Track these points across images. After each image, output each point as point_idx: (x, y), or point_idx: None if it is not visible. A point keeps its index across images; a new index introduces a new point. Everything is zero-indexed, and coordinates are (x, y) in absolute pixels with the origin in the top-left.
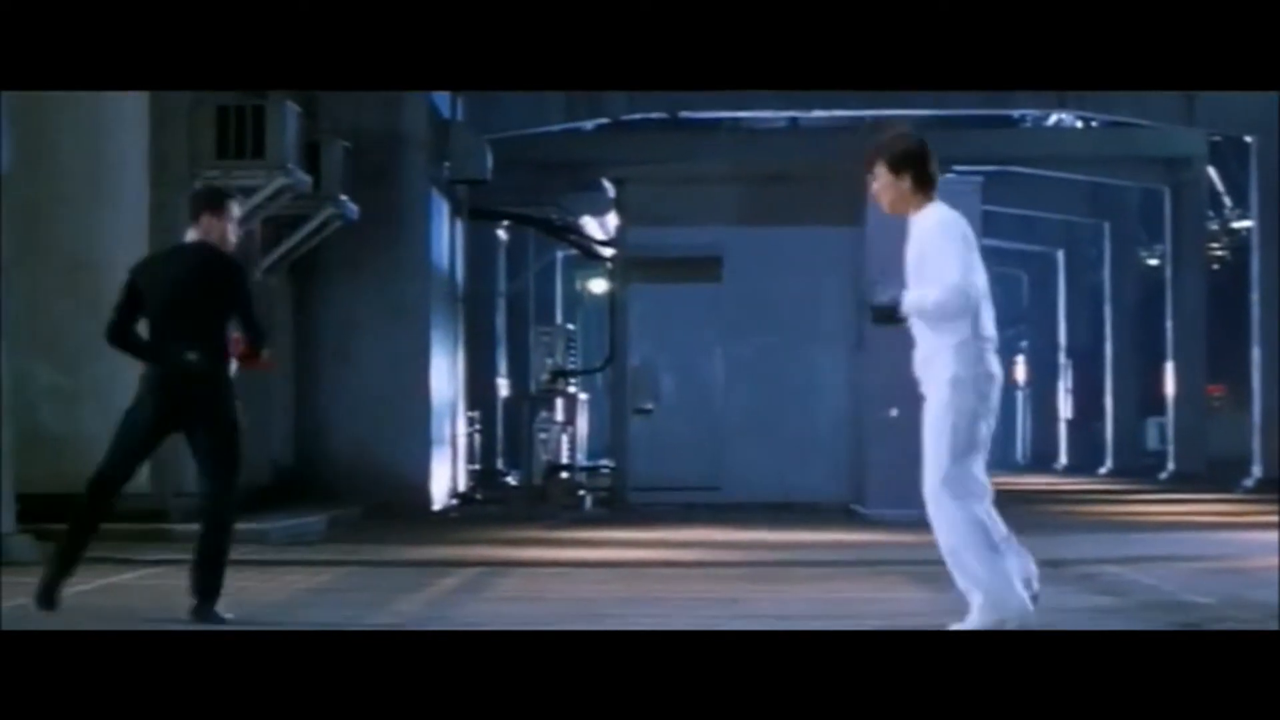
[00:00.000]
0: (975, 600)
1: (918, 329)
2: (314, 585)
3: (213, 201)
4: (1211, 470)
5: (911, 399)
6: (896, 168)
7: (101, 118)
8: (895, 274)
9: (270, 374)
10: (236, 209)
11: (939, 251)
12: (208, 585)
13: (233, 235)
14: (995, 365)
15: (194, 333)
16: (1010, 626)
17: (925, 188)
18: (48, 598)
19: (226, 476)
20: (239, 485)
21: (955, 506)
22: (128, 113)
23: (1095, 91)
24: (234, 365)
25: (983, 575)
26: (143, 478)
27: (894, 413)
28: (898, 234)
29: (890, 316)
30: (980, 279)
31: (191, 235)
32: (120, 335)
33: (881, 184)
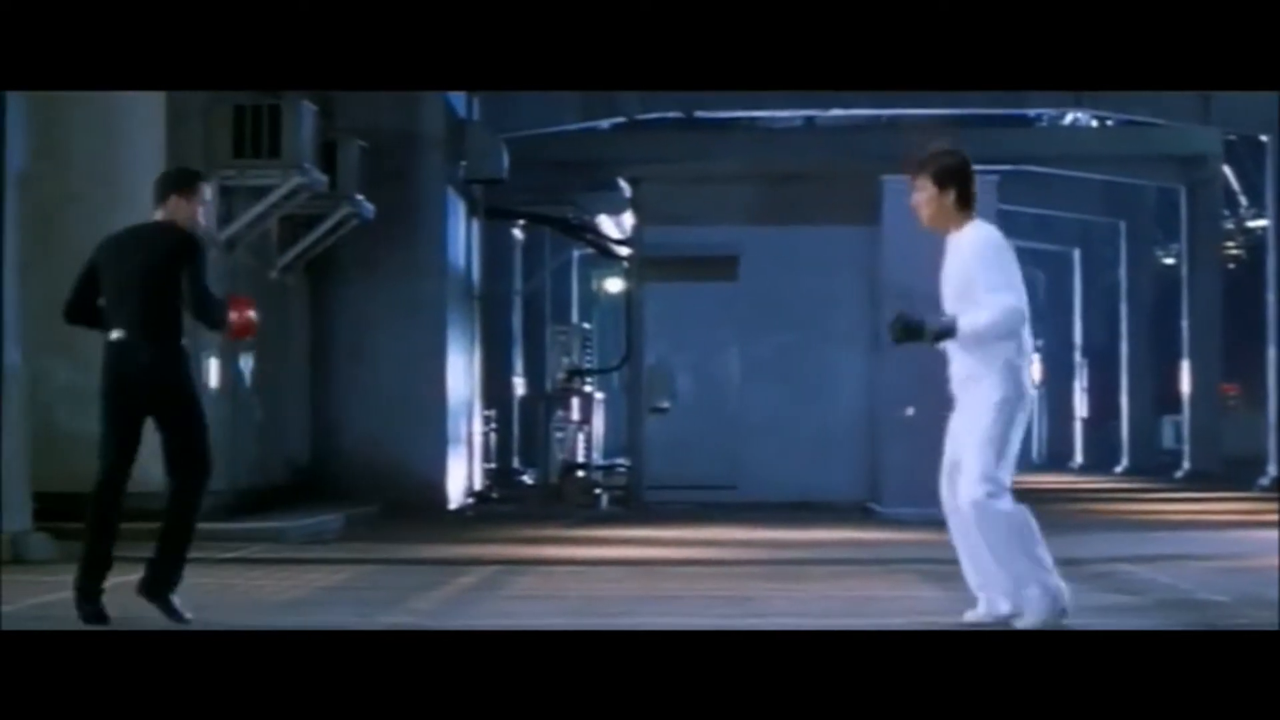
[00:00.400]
0: (1030, 599)
1: (956, 346)
2: (331, 583)
3: (181, 182)
4: (1227, 469)
5: (926, 398)
6: (942, 182)
7: (117, 117)
8: (913, 287)
9: (286, 372)
10: (208, 192)
11: (994, 271)
12: (157, 576)
13: (202, 218)
14: (1031, 381)
15: (143, 314)
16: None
17: (968, 205)
18: (88, 607)
19: (187, 462)
20: (203, 471)
21: (998, 506)
22: (144, 112)
23: (1111, 91)
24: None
25: (1029, 572)
26: (157, 476)
27: (910, 412)
28: (913, 233)
29: (948, 334)
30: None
31: (158, 215)
32: (73, 312)
33: (925, 197)
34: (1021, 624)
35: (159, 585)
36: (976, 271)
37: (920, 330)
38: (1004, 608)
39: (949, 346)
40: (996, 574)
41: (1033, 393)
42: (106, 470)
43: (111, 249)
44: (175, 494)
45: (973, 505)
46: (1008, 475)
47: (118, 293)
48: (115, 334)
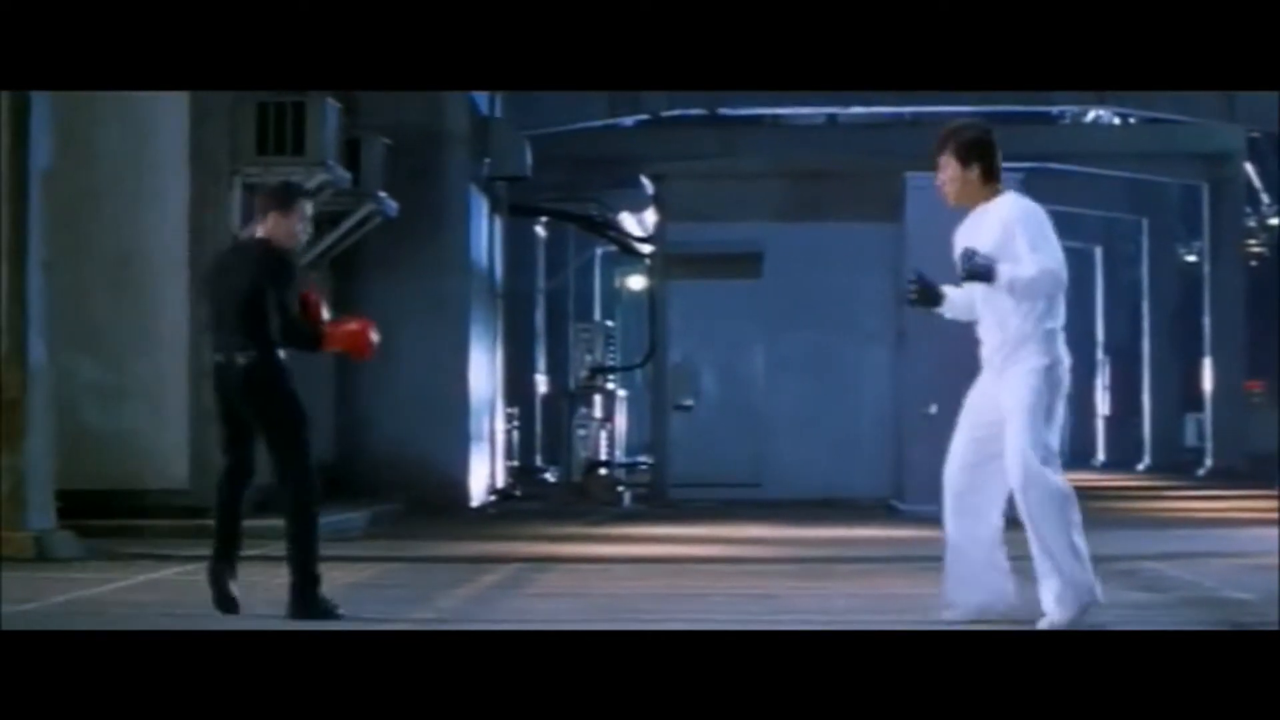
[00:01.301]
0: (1051, 592)
1: (995, 315)
2: (356, 580)
3: (282, 200)
4: (1251, 466)
5: (950, 396)
6: (965, 158)
7: (143, 114)
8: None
9: (309, 369)
10: (309, 207)
11: (1038, 235)
12: (292, 580)
13: (302, 234)
14: (1067, 352)
15: (231, 330)
16: (1089, 613)
17: (992, 178)
18: (214, 591)
19: (284, 473)
20: (304, 479)
21: (1051, 475)
22: (169, 109)
23: (1134, 91)
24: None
25: (1064, 558)
26: (183, 473)
27: (933, 409)
28: (936, 230)
29: (985, 276)
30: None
31: (257, 231)
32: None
33: (949, 174)
34: (1044, 623)
35: (293, 594)
36: (1019, 233)
37: (938, 296)
38: (980, 602)
39: (984, 321)
40: (972, 580)
41: (1069, 361)
42: (222, 471)
43: (213, 268)
44: (281, 504)
45: (1024, 471)
46: (1056, 442)
47: (217, 313)
48: (216, 357)
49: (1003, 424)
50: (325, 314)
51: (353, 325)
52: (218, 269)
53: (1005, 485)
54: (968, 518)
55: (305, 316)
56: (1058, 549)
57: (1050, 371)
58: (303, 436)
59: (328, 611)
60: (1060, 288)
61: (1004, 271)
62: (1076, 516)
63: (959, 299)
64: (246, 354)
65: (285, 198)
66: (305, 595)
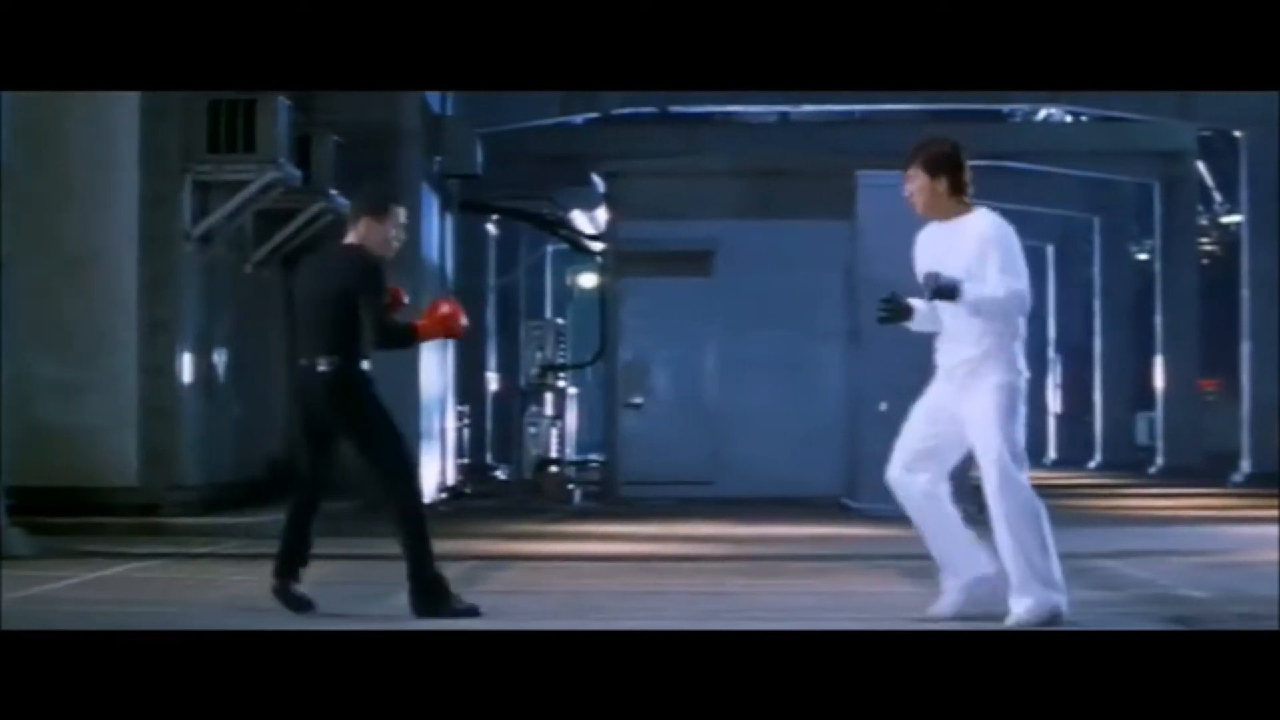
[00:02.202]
0: (1028, 597)
1: (961, 328)
2: (310, 579)
3: (377, 207)
4: (1203, 464)
5: (903, 394)
6: (933, 171)
7: (99, 113)
8: (892, 280)
9: (262, 367)
10: (402, 215)
11: (1008, 256)
12: (412, 586)
13: (395, 242)
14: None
15: (318, 337)
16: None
17: (960, 191)
18: (285, 597)
19: (383, 480)
20: (402, 483)
21: (1025, 485)
22: (122, 106)
23: (1089, 91)
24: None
25: (1041, 567)
26: (135, 471)
27: (883, 407)
28: (888, 227)
29: (950, 295)
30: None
31: (349, 238)
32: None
33: (917, 185)
34: (1010, 622)
35: (413, 598)
36: (992, 253)
37: (908, 312)
38: (980, 570)
39: (951, 334)
40: (964, 558)
41: (1028, 374)
42: (299, 486)
43: (301, 274)
44: (387, 512)
45: (1002, 480)
46: (1025, 454)
47: (303, 318)
48: (300, 361)
49: (954, 435)
50: (405, 300)
51: (443, 309)
52: (306, 274)
53: (948, 484)
54: (928, 510)
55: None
56: (1035, 557)
57: (1015, 386)
58: (394, 442)
59: (458, 610)
60: (1024, 310)
61: (970, 291)
62: (1048, 527)
63: (925, 312)
64: (330, 361)
65: (380, 204)
66: (431, 597)
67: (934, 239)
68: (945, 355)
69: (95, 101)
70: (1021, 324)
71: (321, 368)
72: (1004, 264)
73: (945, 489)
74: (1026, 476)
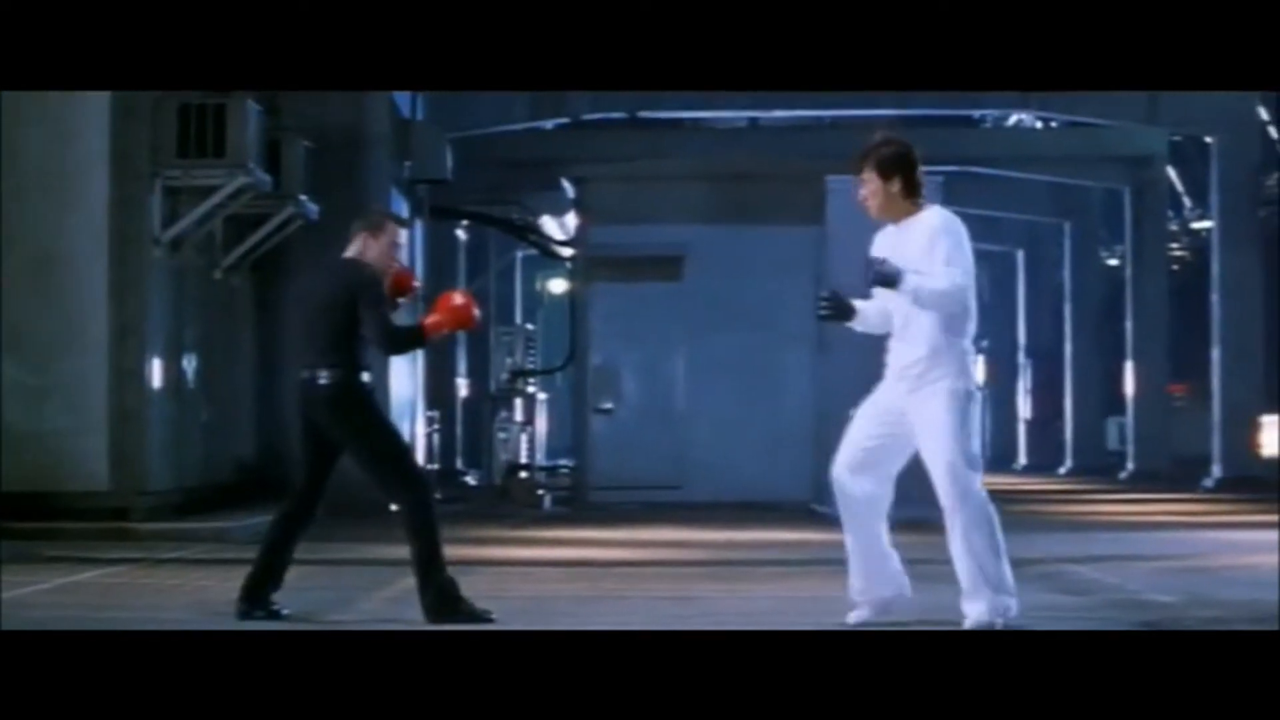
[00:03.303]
0: (982, 601)
1: (911, 329)
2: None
3: (371, 225)
4: (1173, 469)
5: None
6: (886, 172)
7: (65, 115)
8: (855, 286)
9: (231, 371)
10: (402, 234)
11: (955, 251)
12: (425, 599)
13: (391, 258)
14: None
15: (316, 349)
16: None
17: (914, 192)
18: (248, 605)
19: (391, 490)
20: (411, 491)
21: (981, 493)
22: (91, 110)
23: (1059, 92)
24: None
25: (993, 572)
26: (104, 475)
27: (853, 413)
28: (858, 233)
29: (891, 282)
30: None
31: (348, 252)
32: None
33: (871, 188)
34: (967, 625)
35: (425, 605)
36: (939, 244)
37: (850, 311)
38: (890, 592)
39: (902, 335)
40: (879, 574)
41: (979, 382)
42: (292, 496)
43: (300, 286)
44: (401, 519)
45: (958, 489)
46: (980, 460)
47: (303, 329)
48: (301, 373)
49: (903, 437)
50: (416, 284)
51: (456, 300)
52: (306, 287)
53: (891, 491)
54: (863, 517)
55: (396, 291)
56: (989, 562)
57: (968, 392)
58: (400, 451)
59: (472, 615)
60: (963, 306)
61: (911, 280)
62: (1000, 532)
63: (871, 312)
64: (331, 373)
65: (374, 222)
66: (443, 604)
67: (887, 240)
68: (896, 356)
69: (58, 103)
70: (970, 327)
71: (322, 380)
72: (950, 256)
73: (888, 499)
74: (980, 482)
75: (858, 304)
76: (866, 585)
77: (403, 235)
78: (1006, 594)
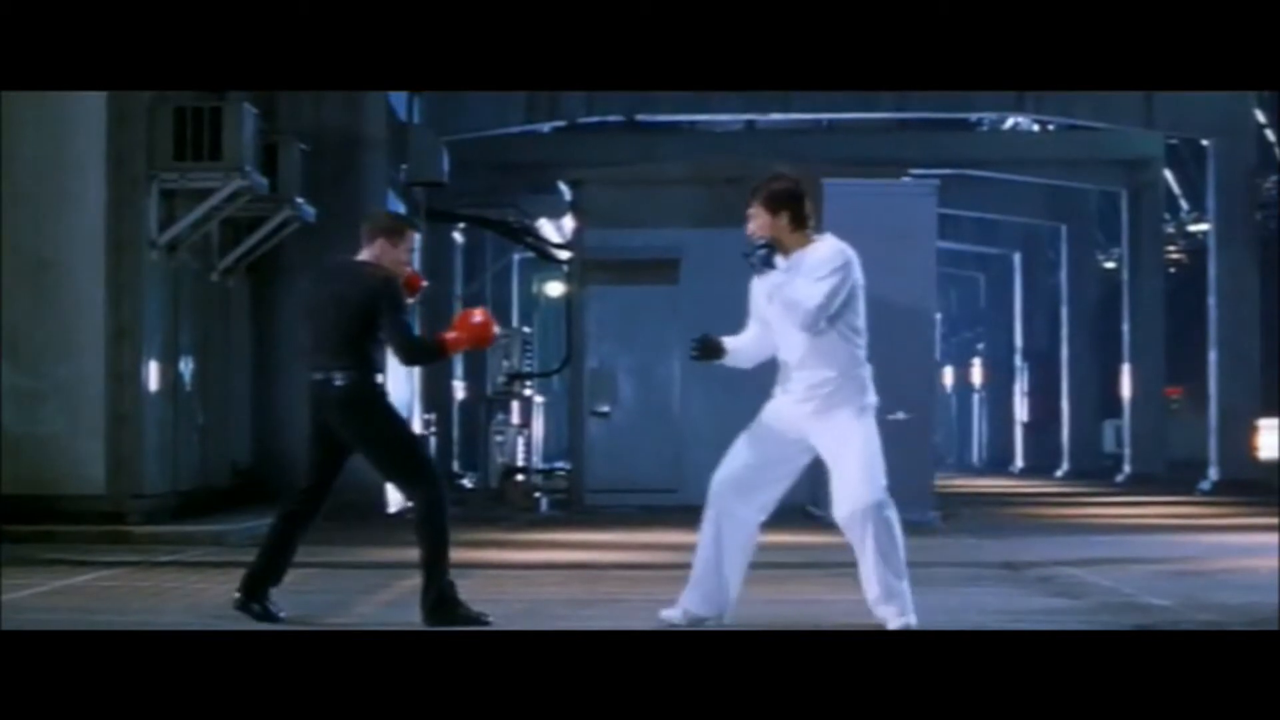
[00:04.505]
0: (894, 605)
1: (811, 355)
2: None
3: (391, 230)
4: (1170, 472)
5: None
6: (774, 207)
7: (60, 117)
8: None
9: (228, 374)
10: (417, 238)
11: (820, 277)
12: (428, 598)
13: (407, 264)
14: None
15: (331, 350)
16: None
17: (802, 226)
18: (248, 612)
19: (406, 489)
20: (426, 490)
21: (891, 512)
22: (86, 112)
23: (1054, 92)
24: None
25: (904, 580)
26: (100, 478)
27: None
28: (856, 236)
29: (766, 262)
30: (861, 320)
31: (363, 255)
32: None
33: (759, 223)
34: (899, 625)
35: (425, 607)
36: (821, 264)
37: (720, 350)
38: (712, 614)
39: (804, 357)
40: (709, 592)
41: (876, 400)
42: (298, 493)
43: (315, 288)
44: (415, 517)
45: (872, 511)
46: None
47: (317, 331)
48: (315, 375)
49: (797, 463)
50: (424, 283)
51: (475, 319)
52: (321, 288)
53: (768, 510)
54: (726, 536)
55: (408, 291)
56: (899, 573)
57: (870, 410)
58: (415, 451)
59: (470, 618)
60: (808, 321)
61: (792, 288)
62: (903, 550)
63: (739, 347)
64: (346, 375)
65: (395, 227)
66: (441, 608)
67: (782, 273)
68: (797, 381)
69: (53, 105)
70: (863, 343)
71: (338, 381)
72: (820, 274)
73: (759, 524)
74: (886, 496)
75: (727, 341)
76: (695, 597)
77: (417, 241)
78: (908, 588)
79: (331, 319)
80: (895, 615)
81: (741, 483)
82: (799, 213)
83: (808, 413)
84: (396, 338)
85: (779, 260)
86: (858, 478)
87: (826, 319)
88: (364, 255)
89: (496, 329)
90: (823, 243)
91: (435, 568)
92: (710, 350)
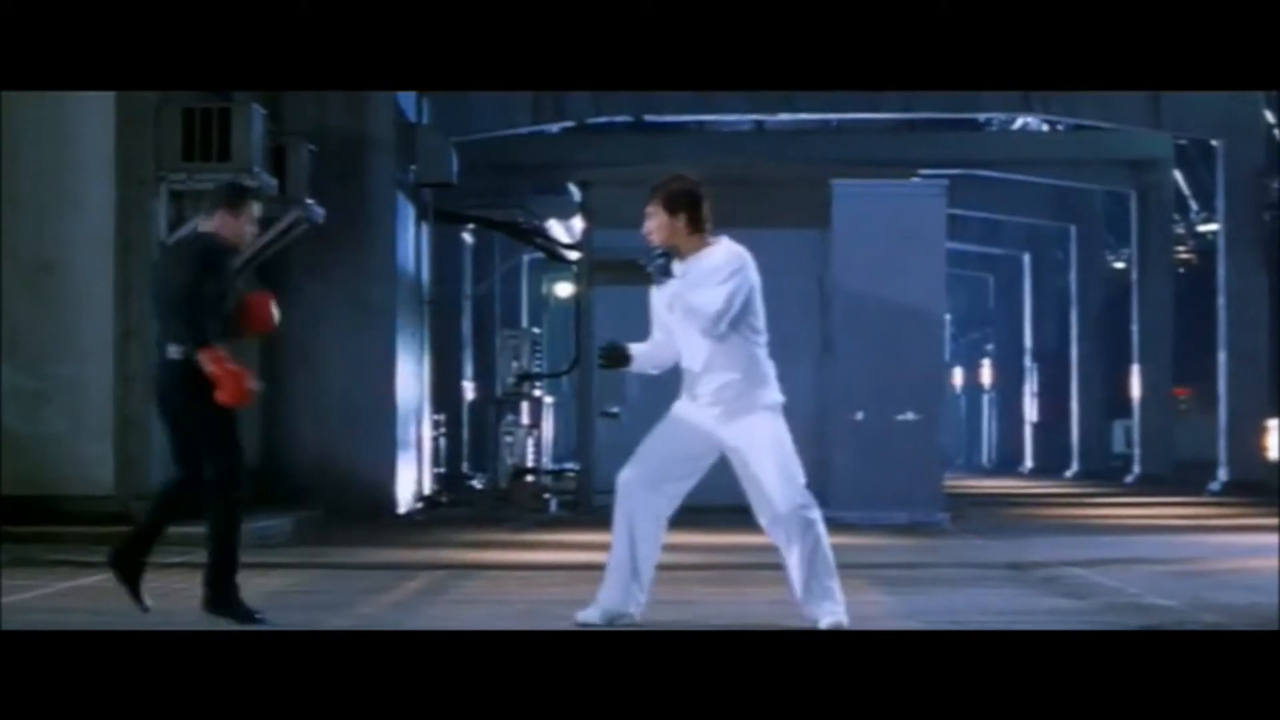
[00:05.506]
0: (825, 605)
1: (724, 356)
2: (278, 588)
3: (231, 199)
4: (1178, 473)
5: (877, 401)
6: (672, 208)
7: (66, 118)
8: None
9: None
10: (258, 208)
11: (719, 281)
12: (206, 578)
13: (249, 235)
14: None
15: (169, 325)
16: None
17: (699, 228)
18: (118, 565)
19: (212, 470)
20: (230, 479)
21: (814, 512)
22: (93, 113)
23: (1062, 92)
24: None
25: (834, 575)
26: (108, 479)
27: (859, 416)
28: (862, 236)
29: (664, 271)
30: (761, 321)
31: (202, 226)
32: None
33: (657, 223)
34: (830, 623)
35: (209, 590)
36: (718, 276)
37: (626, 358)
38: (630, 608)
39: (700, 364)
40: (623, 587)
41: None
42: (172, 481)
43: (156, 264)
44: (173, 484)
45: (799, 513)
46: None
47: (157, 306)
48: (156, 349)
49: (705, 460)
50: (276, 315)
51: (232, 380)
52: (161, 263)
53: (675, 503)
54: (638, 530)
55: (249, 319)
56: (829, 572)
57: (779, 407)
58: (231, 439)
59: (246, 614)
60: (709, 326)
61: (691, 295)
62: (828, 538)
63: (646, 354)
64: (179, 349)
65: (235, 197)
66: (223, 593)
67: (678, 273)
68: (703, 386)
69: (60, 107)
70: (763, 343)
71: (172, 355)
72: (719, 279)
73: (666, 520)
74: (808, 494)
75: (634, 348)
76: (609, 592)
77: (258, 210)
78: (839, 587)
79: (165, 293)
80: (826, 614)
81: (650, 476)
82: (697, 215)
83: (715, 416)
84: (187, 307)
85: (675, 264)
86: (776, 482)
87: (728, 323)
88: (204, 227)
89: (276, 313)
90: (718, 246)
91: (225, 556)
92: (616, 358)
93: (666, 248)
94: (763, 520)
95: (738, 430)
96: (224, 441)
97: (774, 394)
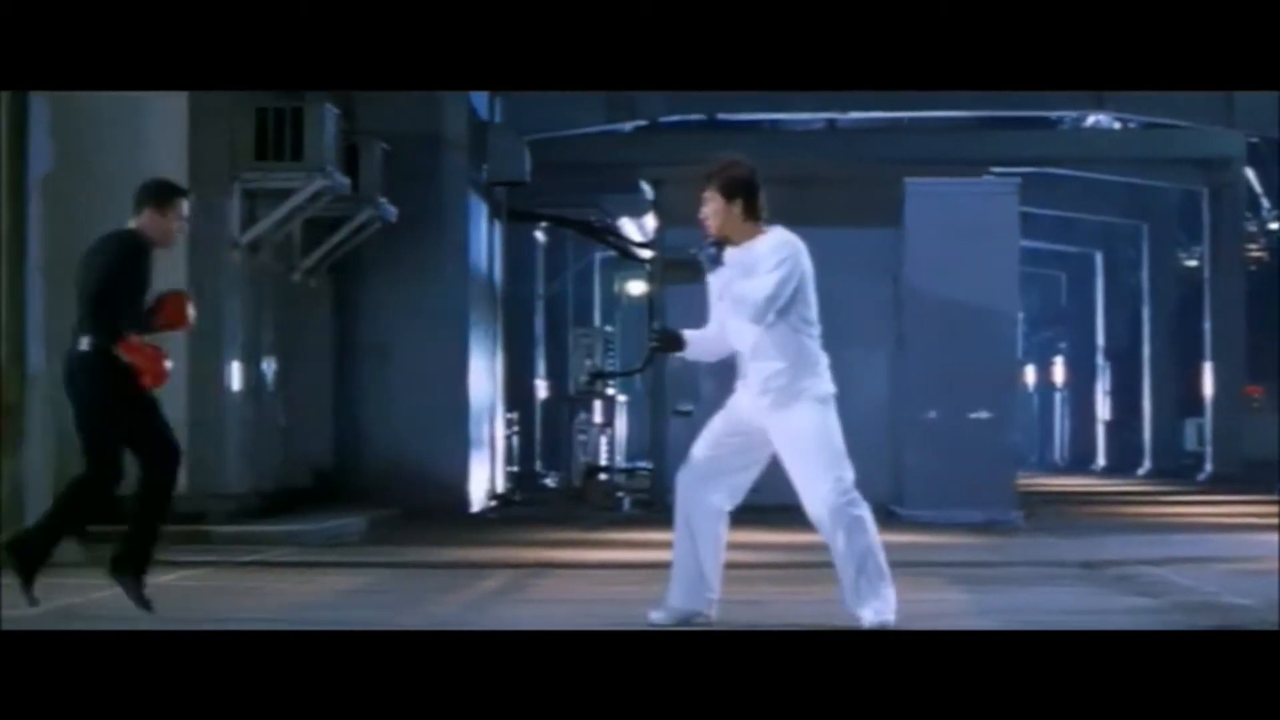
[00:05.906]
0: (870, 605)
1: (764, 344)
2: (351, 586)
3: (159, 197)
4: (1250, 471)
5: (949, 400)
6: (729, 194)
7: (140, 119)
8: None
9: (308, 374)
10: (185, 207)
11: (769, 269)
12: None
13: (177, 233)
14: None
15: (81, 317)
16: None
17: (754, 216)
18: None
19: (88, 465)
20: (100, 477)
21: (854, 511)
22: (166, 114)
23: (1132, 91)
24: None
25: (881, 577)
26: (180, 479)
27: (932, 415)
28: (935, 235)
29: (715, 260)
30: (813, 311)
31: (130, 223)
32: None
33: (712, 208)
34: (874, 623)
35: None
36: (769, 255)
37: (679, 342)
38: (700, 607)
39: (757, 348)
40: (691, 587)
41: (834, 388)
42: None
43: (82, 256)
44: (76, 486)
45: (833, 514)
46: (850, 472)
47: (77, 298)
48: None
49: (761, 453)
50: (191, 313)
51: (169, 304)
52: (81, 259)
53: (736, 498)
54: (699, 528)
55: (161, 315)
56: (876, 570)
57: (831, 401)
58: (111, 436)
59: (139, 597)
60: (758, 314)
61: (742, 284)
62: (878, 536)
63: (700, 340)
64: (89, 341)
65: (162, 195)
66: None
67: (732, 260)
68: (754, 373)
69: (135, 108)
70: (817, 333)
71: (82, 347)
72: (771, 266)
73: (728, 514)
74: (858, 500)
75: (688, 334)
76: (676, 592)
77: (187, 209)
78: (889, 586)
79: (80, 286)
80: (871, 614)
81: (706, 472)
82: (753, 203)
83: (765, 406)
84: (91, 298)
85: (728, 252)
86: (820, 478)
87: (776, 311)
88: (132, 224)
89: (191, 311)
90: (771, 234)
91: (47, 537)
92: (669, 342)
93: (720, 235)
94: (809, 515)
95: (782, 421)
96: (105, 445)
97: (824, 385)
